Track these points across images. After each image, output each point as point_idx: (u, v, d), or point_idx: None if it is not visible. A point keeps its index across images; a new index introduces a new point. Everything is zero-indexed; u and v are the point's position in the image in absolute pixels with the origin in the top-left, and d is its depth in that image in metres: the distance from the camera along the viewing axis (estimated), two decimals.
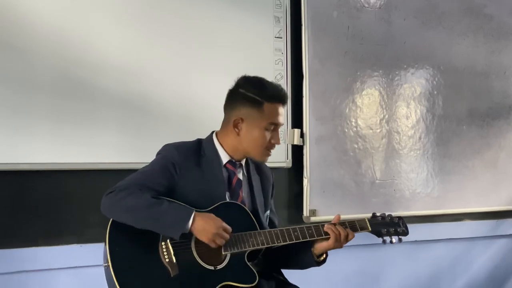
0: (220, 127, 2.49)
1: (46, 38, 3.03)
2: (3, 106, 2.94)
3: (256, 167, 2.57)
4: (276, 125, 2.40)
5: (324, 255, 2.43)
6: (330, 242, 2.35)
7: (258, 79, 2.45)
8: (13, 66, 2.97)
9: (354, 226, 2.43)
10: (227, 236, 2.22)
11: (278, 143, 2.43)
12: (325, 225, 2.37)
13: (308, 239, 2.35)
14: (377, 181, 3.98)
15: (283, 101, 2.42)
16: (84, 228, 3.08)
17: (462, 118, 4.28)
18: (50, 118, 3.04)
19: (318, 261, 2.42)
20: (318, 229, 2.37)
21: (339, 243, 2.36)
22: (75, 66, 3.09)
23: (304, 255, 2.42)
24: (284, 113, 2.45)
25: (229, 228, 2.23)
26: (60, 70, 3.06)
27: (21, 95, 2.98)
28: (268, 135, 2.38)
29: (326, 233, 2.36)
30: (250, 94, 2.38)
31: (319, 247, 2.38)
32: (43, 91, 3.03)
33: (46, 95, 3.03)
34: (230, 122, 2.40)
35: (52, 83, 3.05)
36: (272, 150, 2.43)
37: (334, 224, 2.39)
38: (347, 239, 2.37)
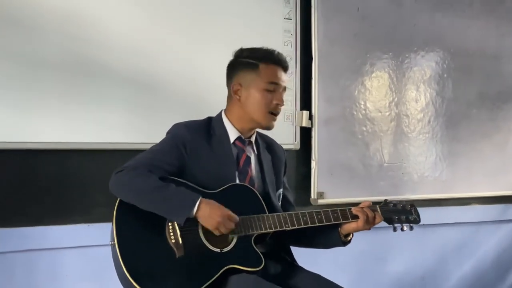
0: None
1: (54, 16, 3.01)
2: (11, 84, 2.93)
3: (267, 146, 2.56)
4: (276, 84, 2.38)
5: (351, 236, 2.43)
6: (360, 223, 2.34)
7: (254, 47, 2.46)
8: (21, 44, 2.95)
9: None
10: (232, 225, 2.20)
11: (281, 103, 2.39)
12: (353, 208, 2.37)
13: (317, 224, 2.33)
14: (385, 164, 3.97)
15: (279, 63, 2.40)
16: (92, 207, 3.09)
17: (472, 102, 4.26)
18: (58, 97, 3.03)
19: (345, 241, 2.42)
20: (345, 213, 2.36)
21: (368, 225, 2.36)
22: (83, 44, 3.07)
23: (330, 234, 2.42)
24: (285, 77, 2.42)
25: (235, 217, 2.22)
26: (68, 48, 3.04)
27: (29, 74, 2.97)
28: (269, 96, 2.37)
29: (355, 217, 2.35)
30: (245, 59, 2.41)
31: (347, 227, 2.38)
32: (51, 70, 3.02)
33: (54, 74, 3.02)
34: (231, 91, 2.43)
35: (60, 62, 3.03)
36: (277, 116, 2.41)
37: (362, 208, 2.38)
38: (374, 221, 2.38)
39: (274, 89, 2.38)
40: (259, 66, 2.38)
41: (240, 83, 2.40)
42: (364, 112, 3.88)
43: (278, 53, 2.44)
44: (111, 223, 2.22)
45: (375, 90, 3.92)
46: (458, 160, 4.21)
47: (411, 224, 2.44)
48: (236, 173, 2.40)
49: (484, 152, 4.30)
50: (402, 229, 2.42)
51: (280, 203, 2.53)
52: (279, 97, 2.39)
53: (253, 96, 2.37)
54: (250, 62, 2.39)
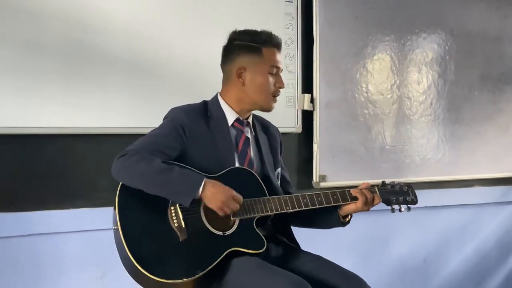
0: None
1: (55, 2, 3.00)
2: (12, 69, 2.93)
3: (263, 126, 2.59)
4: (277, 68, 2.43)
5: (350, 217, 2.46)
6: (359, 204, 2.38)
7: (250, 29, 2.47)
8: (22, 28, 2.94)
9: None
10: (236, 205, 2.22)
11: (283, 86, 2.45)
12: (352, 190, 2.40)
13: (317, 206, 2.36)
14: (387, 146, 3.97)
15: (278, 47, 2.44)
16: (94, 192, 3.09)
17: (474, 84, 4.25)
18: (59, 82, 3.03)
19: (344, 222, 2.45)
20: (344, 195, 2.40)
21: (367, 206, 2.39)
22: (85, 30, 3.07)
23: (330, 216, 2.45)
24: (282, 59, 2.47)
25: (239, 197, 2.24)
26: (69, 34, 3.04)
27: (30, 58, 2.96)
28: (272, 79, 2.41)
29: (354, 198, 2.38)
30: (246, 42, 2.41)
31: (346, 209, 2.41)
32: (52, 54, 3.01)
33: (55, 58, 3.02)
34: (233, 74, 2.42)
35: (61, 46, 3.03)
36: (277, 97, 2.46)
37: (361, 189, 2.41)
38: (373, 202, 2.41)
39: (276, 72, 2.42)
40: (262, 50, 2.40)
41: (244, 66, 2.40)
42: (366, 94, 3.87)
43: (275, 35, 2.46)
44: (113, 208, 2.24)
45: (376, 72, 3.91)
46: (460, 142, 4.20)
47: (408, 205, 2.48)
48: (236, 154, 2.42)
49: (487, 134, 4.30)
50: (400, 210, 2.46)
51: (279, 183, 2.55)
52: (281, 80, 2.44)
53: (258, 79, 2.40)
54: (253, 46, 2.41)
